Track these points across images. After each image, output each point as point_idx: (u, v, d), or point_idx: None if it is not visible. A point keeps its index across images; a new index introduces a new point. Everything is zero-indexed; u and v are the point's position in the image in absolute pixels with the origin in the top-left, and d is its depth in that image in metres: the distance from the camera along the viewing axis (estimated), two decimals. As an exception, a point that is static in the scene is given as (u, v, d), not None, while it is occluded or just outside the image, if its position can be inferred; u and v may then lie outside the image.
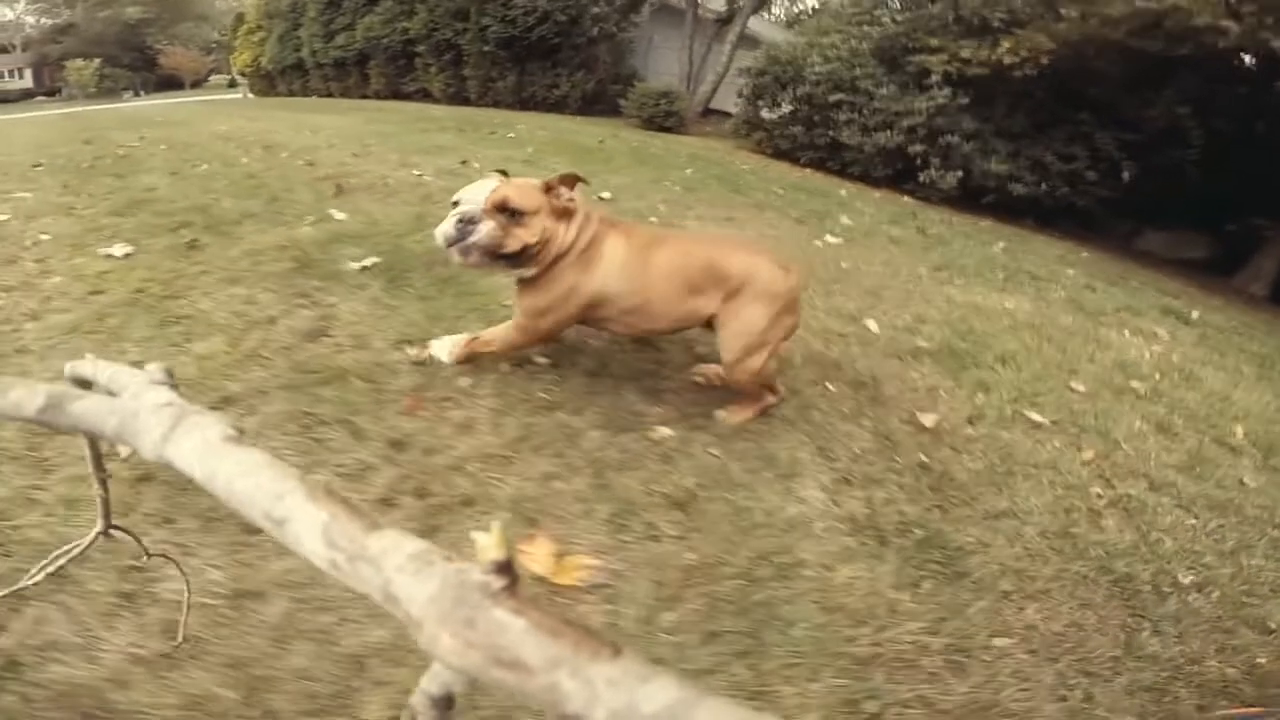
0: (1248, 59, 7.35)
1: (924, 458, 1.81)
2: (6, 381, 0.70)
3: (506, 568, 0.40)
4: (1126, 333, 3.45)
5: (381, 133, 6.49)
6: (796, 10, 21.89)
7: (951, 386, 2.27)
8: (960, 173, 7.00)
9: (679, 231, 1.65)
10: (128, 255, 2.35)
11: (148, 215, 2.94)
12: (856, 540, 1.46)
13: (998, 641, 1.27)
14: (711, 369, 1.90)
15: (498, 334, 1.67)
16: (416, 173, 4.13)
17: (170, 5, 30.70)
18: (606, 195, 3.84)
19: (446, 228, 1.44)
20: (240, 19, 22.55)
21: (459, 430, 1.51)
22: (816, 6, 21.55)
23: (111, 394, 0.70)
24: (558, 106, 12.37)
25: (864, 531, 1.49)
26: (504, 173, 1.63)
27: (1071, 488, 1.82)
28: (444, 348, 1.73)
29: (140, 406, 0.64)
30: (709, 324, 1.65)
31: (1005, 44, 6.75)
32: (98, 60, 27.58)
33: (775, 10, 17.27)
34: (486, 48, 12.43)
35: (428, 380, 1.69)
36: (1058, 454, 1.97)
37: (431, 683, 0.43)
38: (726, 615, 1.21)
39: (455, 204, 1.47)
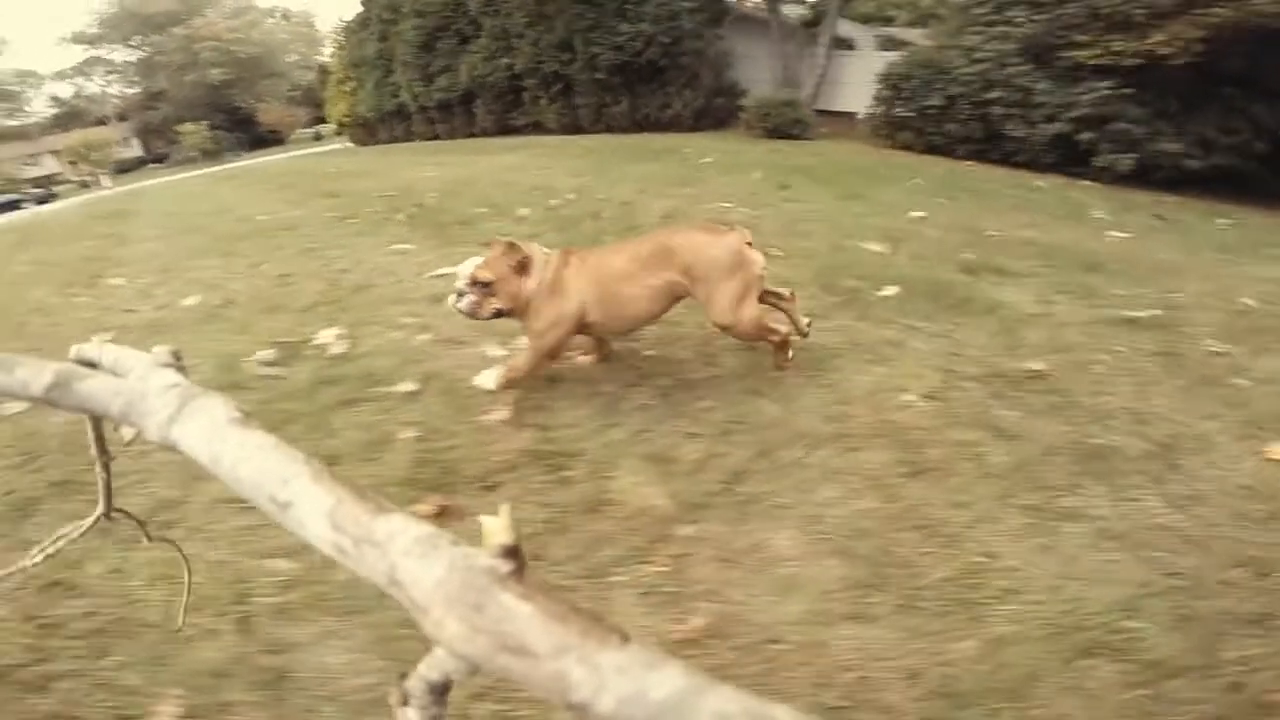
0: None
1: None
2: (12, 359, 0.68)
3: (514, 552, 0.40)
4: None
5: (582, 169, 7.10)
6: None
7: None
8: (1133, 155, 7.27)
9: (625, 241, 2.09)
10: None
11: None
12: None
13: None
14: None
15: (519, 361, 2.01)
16: (726, 205, 4.71)
17: (247, 65, 32.98)
18: (919, 214, 4.35)
19: (451, 296, 1.94)
20: (325, 71, 23.96)
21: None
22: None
23: (117, 376, 0.69)
24: (670, 125, 12.90)
25: None
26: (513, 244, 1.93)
27: None
28: (489, 378, 2.05)
29: (147, 388, 0.63)
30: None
31: (1157, 36, 7.03)
32: (204, 124, 29.94)
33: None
34: (598, 75, 13.06)
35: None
36: None
37: (432, 669, 0.43)
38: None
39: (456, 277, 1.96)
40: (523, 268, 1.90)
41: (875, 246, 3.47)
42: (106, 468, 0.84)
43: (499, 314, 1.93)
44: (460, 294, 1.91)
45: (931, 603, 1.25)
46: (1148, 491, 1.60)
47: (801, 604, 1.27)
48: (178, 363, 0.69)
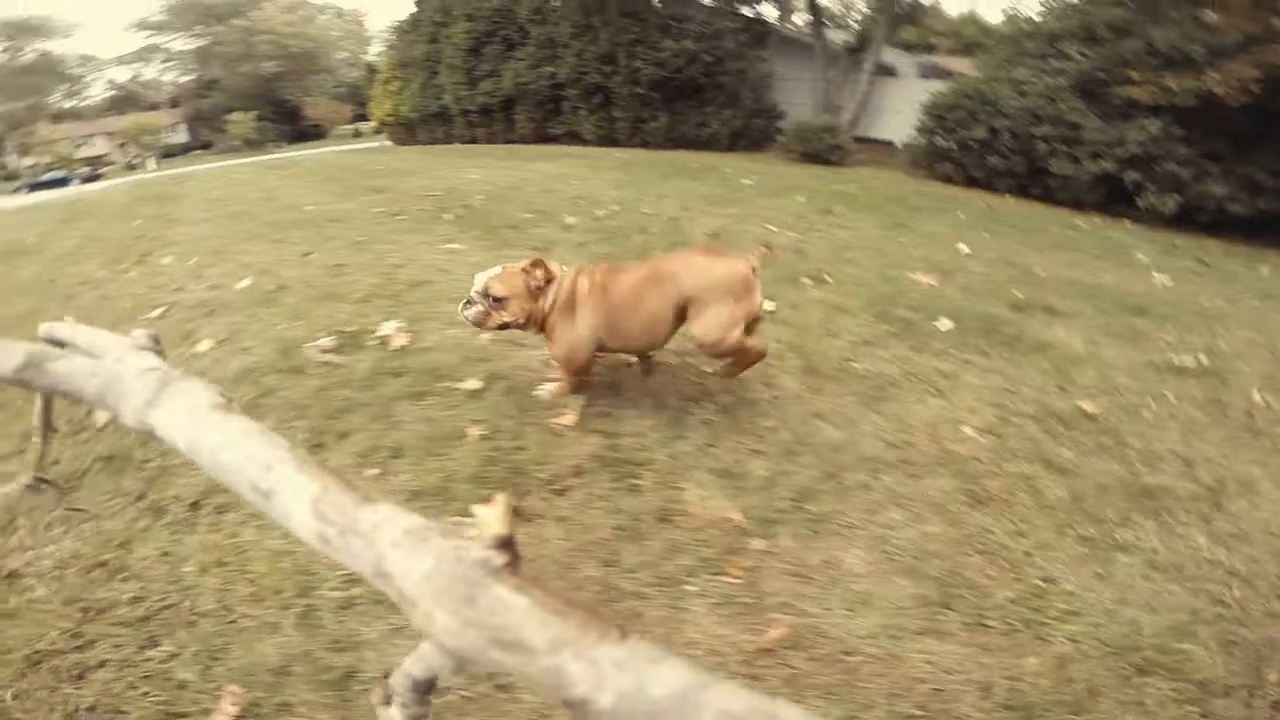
0: None
1: None
2: None
3: (508, 543, 0.39)
4: None
5: (622, 181, 7.22)
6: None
7: None
8: (1178, 196, 7.28)
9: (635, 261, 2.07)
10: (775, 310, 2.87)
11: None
12: None
13: None
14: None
15: (562, 379, 2.12)
16: (772, 227, 4.84)
17: (299, 59, 34.27)
18: (964, 248, 4.45)
19: (461, 305, 1.92)
20: (373, 70, 24.59)
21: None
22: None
23: (93, 358, 0.67)
24: (707, 144, 13.00)
25: None
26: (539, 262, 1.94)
27: None
28: (548, 389, 2.16)
29: (124, 370, 0.61)
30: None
31: (1214, 75, 7.03)
32: (253, 113, 31.06)
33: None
34: (638, 90, 13.28)
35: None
36: None
37: (416, 664, 0.41)
38: None
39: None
40: (541, 290, 1.90)
41: (924, 278, 3.57)
42: (46, 439, 0.81)
43: (505, 327, 1.93)
44: (470, 302, 1.90)
45: (998, 622, 1.35)
46: (1195, 529, 1.69)
47: (875, 619, 1.36)
48: (156, 346, 0.67)
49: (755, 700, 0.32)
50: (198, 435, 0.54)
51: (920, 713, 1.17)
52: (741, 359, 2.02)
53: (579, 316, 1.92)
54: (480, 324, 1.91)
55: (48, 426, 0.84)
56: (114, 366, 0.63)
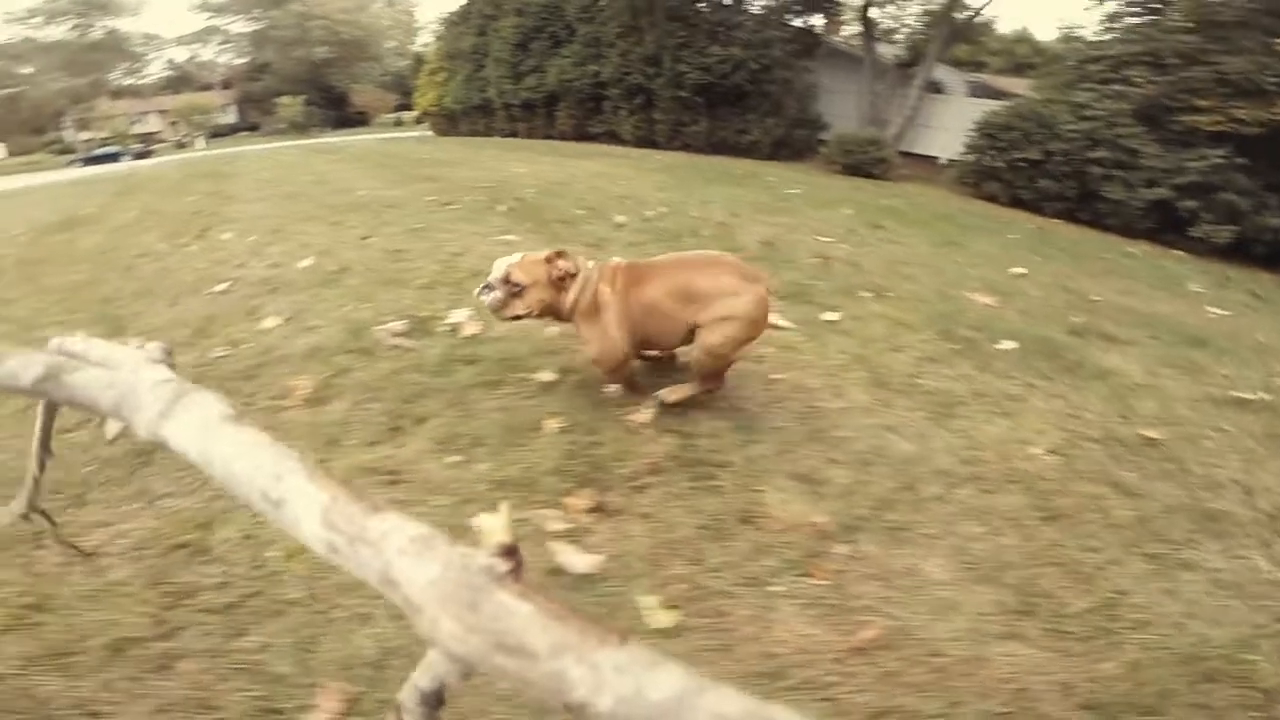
0: None
1: None
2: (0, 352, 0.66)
3: (512, 552, 0.40)
4: None
5: (666, 184, 7.29)
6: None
7: None
8: (1234, 226, 7.20)
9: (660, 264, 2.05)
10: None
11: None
12: None
13: None
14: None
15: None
16: (824, 239, 4.93)
17: (350, 46, 35.30)
18: (1018, 270, 4.51)
19: (478, 289, 1.89)
20: (420, 60, 25.07)
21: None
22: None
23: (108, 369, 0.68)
24: (748, 151, 13.03)
25: None
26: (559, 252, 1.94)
27: None
28: (616, 387, 2.19)
29: (139, 382, 0.62)
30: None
31: (1286, 106, 6.93)
32: (302, 98, 32.07)
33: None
34: (681, 93, 13.38)
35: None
36: None
37: (424, 676, 0.41)
38: None
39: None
40: (562, 282, 1.89)
41: (982, 298, 3.63)
42: (42, 466, 0.80)
43: (519, 318, 1.92)
44: (489, 287, 1.86)
45: (1076, 629, 1.44)
46: (1256, 552, 1.77)
47: (959, 623, 1.45)
48: (169, 359, 0.68)
49: (749, 704, 0.33)
50: (209, 446, 0.55)
51: (1008, 709, 1.27)
52: (718, 378, 2.11)
53: (604, 319, 1.94)
54: (497, 311, 1.89)
55: (45, 450, 0.81)
56: (129, 378, 0.64)
